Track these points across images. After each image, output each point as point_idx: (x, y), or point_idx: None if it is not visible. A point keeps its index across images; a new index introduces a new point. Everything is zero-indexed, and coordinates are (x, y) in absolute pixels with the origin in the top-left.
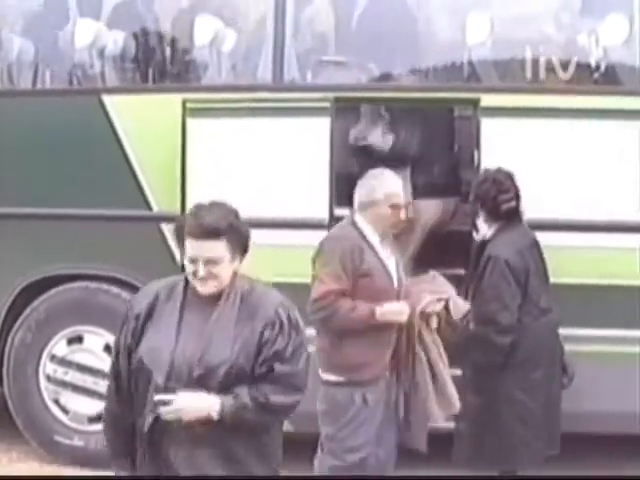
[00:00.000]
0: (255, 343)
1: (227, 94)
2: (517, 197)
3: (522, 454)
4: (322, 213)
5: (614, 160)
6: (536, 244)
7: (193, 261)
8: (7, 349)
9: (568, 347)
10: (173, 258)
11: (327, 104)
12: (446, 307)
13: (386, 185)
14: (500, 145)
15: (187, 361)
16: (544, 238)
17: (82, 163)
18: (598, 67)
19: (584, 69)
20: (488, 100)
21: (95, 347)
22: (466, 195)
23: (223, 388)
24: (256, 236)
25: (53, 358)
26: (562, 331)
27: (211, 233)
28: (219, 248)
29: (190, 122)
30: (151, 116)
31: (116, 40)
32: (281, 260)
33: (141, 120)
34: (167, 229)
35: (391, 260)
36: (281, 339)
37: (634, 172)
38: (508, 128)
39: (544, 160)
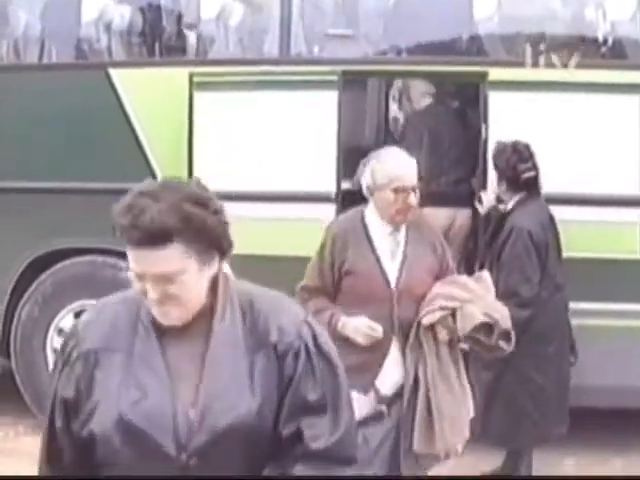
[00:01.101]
0: (275, 383)
1: (234, 68)
2: (536, 167)
3: (529, 432)
4: (329, 186)
5: (619, 134)
6: (552, 218)
7: (139, 277)
8: (14, 323)
9: (572, 321)
10: None
11: (334, 77)
12: (454, 318)
13: (390, 166)
14: (507, 119)
15: (189, 423)
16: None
17: (89, 137)
18: (605, 41)
19: (591, 43)
20: (496, 74)
21: None
22: (473, 170)
23: (238, 458)
24: (263, 210)
25: (60, 332)
26: (590, 305)
27: (156, 237)
28: (172, 257)
29: (197, 96)
30: (158, 90)
31: (123, 14)
32: (288, 234)
33: (148, 94)
34: None
35: (397, 258)
36: (312, 382)
37: (638, 146)
38: (515, 102)
39: (549, 134)
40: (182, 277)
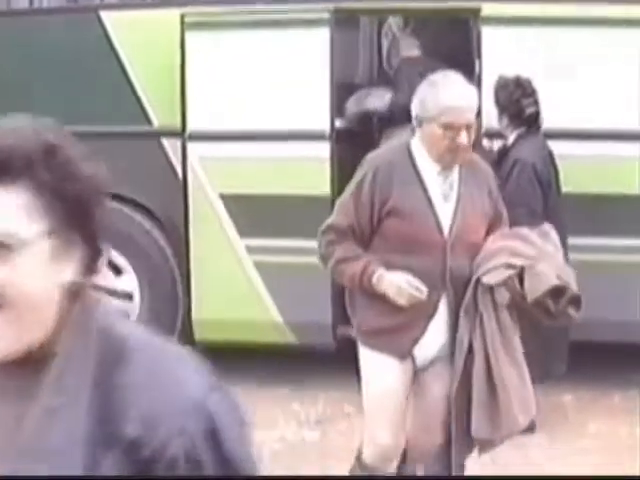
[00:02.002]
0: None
1: (225, 7)
2: (537, 103)
3: (530, 368)
4: (323, 124)
5: (617, 69)
6: (552, 154)
7: None
8: None
9: (572, 256)
10: (175, 173)
11: (326, 15)
12: (520, 278)
13: (443, 95)
14: (501, 54)
15: None
16: (571, 147)
17: (81, 81)
18: None
19: None
20: (489, 9)
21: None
22: None
23: None
24: (257, 149)
25: None
26: (587, 240)
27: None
28: (14, 207)
29: (189, 36)
30: (150, 31)
31: None
32: (283, 172)
33: (140, 35)
34: (168, 144)
35: (450, 200)
36: None
37: (637, 81)
38: (509, 37)
39: (545, 69)
40: (19, 258)
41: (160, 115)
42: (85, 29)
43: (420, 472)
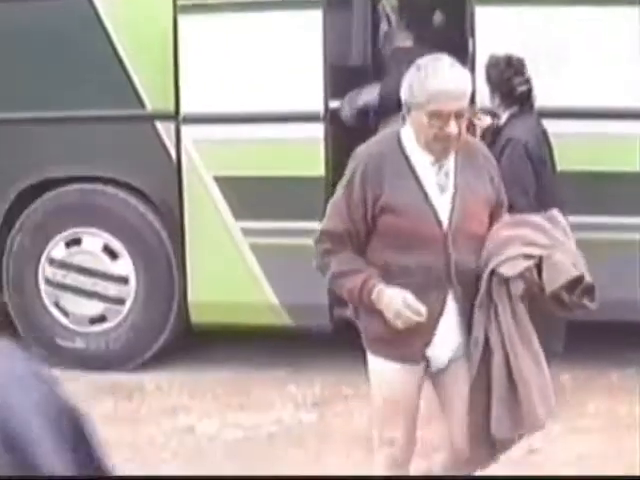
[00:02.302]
0: None
1: None
2: (529, 81)
3: None
4: (317, 106)
5: (615, 46)
6: (546, 133)
7: None
8: (5, 255)
9: (590, 235)
10: (169, 156)
11: None
12: (538, 269)
13: (430, 80)
14: (495, 32)
15: None
16: (568, 125)
17: (73, 63)
18: None
19: None
20: None
21: (93, 248)
22: None
23: None
24: (251, 131)
25: (52, 262)
26: (582, 219)
27: None
28: None
29: (182, 18)
30: (142, 13)
31: None
32: (277, 154)
33: (132, 17)
34: (162, 127)
35: (447, 190)
36: None
37: (636, 58)
38: (503, 15)
39: (539, 47)
40: None
41: (153, 98)
42: (76, 11)
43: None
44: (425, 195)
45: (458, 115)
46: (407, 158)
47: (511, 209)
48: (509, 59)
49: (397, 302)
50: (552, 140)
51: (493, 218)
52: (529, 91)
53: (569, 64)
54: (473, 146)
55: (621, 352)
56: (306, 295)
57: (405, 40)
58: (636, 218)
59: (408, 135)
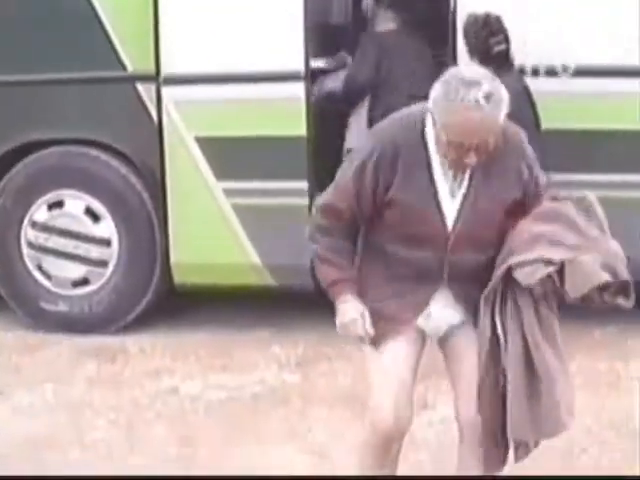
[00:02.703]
0: None
1: None
2: (507, 40)
3: None
4: (298, 65)
5: (602, 3)
6: (528, 90)
7: None
8: None
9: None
10: (150, 118)
11: None
12: (560, 274)
13: (455, 110)
14: None
15: None
16: (545, 84)
17: (54, 26)
18: None
19: None
20: None
21: (76, 211)
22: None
23: None
24: (231, 91)
25: (34, 225)
26: (566, 177)
27: None
28: None
29: None
30: None
31: None
32: (258, 114)
33: None
34: (142, 88)
35: (457, 197)
36: None
37: (634, 14)
38: None
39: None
40: None
41: (134, 59)
42: None
43: None
44: (436, 198)
45: (479, 146)
46: (427, 156)
47: None
48: (486, 18)
49: (348, 317)
50: (553, 98)
51: (528, 208)
52: (507, 50)
53: (564, 19)
54: (499, 150)
55: (603, 310)
56: (289, 255)
57: (387, 22)
58: (625, 176)
59: (430, 133)
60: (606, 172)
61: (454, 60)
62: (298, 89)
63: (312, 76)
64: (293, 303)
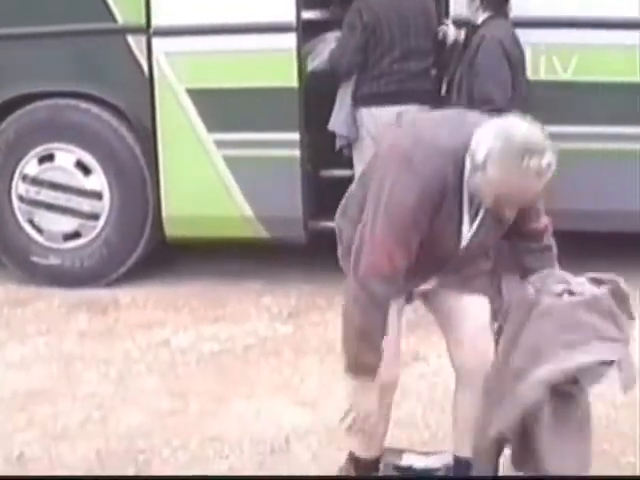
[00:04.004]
0: None
1: None
2: None
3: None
4: (289, 16)
5: None
6: (517, 40)
7: None
8: None
9: (571, 145)
10: (141, 70)
11: None
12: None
13: (512, 168)
14: None
15: None
16: (543, 35)
17: None
18: None
19: None
20: None
21: (66, 164)
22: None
23: None
24: (222, 42)
25: (25, 178)
26: (564, 129)
27: None
28: None
29: None
30: None
31: None
32: (249, 65)
33: None
34: (133, 40)
35: (475, 219)
36: None
37: None
38: None
39: None
40: None
41: (124, 11)
42: None
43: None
44: (459, 227)
45: (526, 208)
46: (460, 190)
47: (489, 103)
48: None
49: (365, 411)
50: (553, 49)
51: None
52: None
53: None
54: None
55: (599, 263)
56: (280, 207)
57: None
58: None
59: (467, 172)
60: (606, 124)
61: (446, 13)
62: (290, 40)
63: (304, 28)
64: (285, 255)
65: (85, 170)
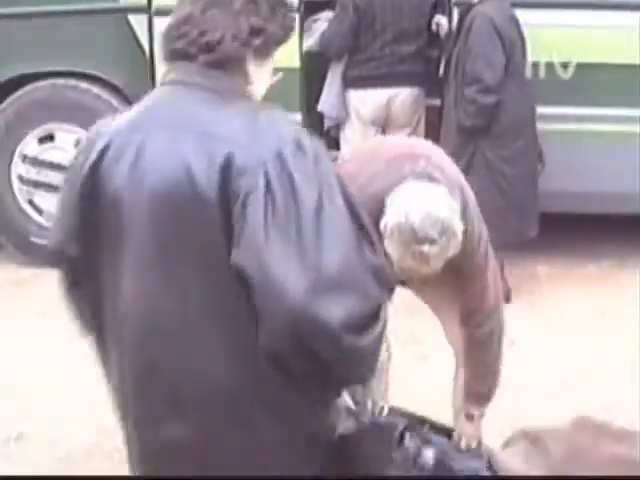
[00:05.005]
0: None
1: None
2: None
3: (500, 226)
4: None
5: None
6: (517, 20)
7: None
8: None
9: (569, 126)
10: (142, 50)
11: None
12: None
13: (401, 251)
14: None
15: None
16: (543, 16)
17: None
18: None
19: None
20: None
21: (66, 144)
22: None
23: None
24: None
25: (25, 158)
26: (562, 110)
27: None
28: None
29: None
30: None
31: None
32: None
33: None
34: (134, 20)
35: None
36: None
37: None
38: None
39: None
40: None
41: None
42: None
43: None
44: None
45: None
46: None
47: (478, 82)
48: None
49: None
50: (552, 30)
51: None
52: None
53: None
54: None
55: (595, 245)
56: None
57: None
58: (636, 110)
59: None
60: (604, 106)
61: None
62: None
63: (305, 8)
64: None
65: None
